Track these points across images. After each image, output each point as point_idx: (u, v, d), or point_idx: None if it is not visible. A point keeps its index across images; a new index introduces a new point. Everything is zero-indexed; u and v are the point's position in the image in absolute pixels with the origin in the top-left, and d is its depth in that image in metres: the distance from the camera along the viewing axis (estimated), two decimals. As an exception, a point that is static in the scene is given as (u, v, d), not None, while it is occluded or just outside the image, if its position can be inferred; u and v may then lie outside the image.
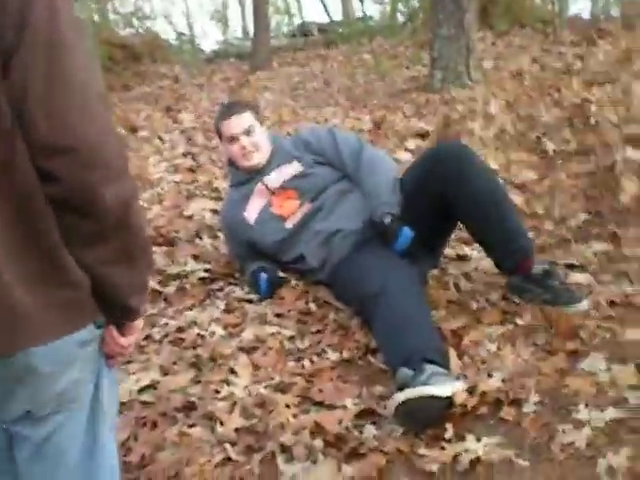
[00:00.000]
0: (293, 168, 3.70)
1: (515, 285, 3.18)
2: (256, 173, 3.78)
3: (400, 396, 2.44)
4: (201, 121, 8.59)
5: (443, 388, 2.46)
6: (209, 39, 25.48)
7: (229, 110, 3.82)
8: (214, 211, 5.06)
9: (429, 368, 2.53)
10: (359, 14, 21.91)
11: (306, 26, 20.98)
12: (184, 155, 7.08)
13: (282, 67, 13.28)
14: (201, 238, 4.58)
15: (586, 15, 15.35)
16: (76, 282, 1.38)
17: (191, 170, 6.40)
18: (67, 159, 1.28)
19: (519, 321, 3.02)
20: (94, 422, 1.53)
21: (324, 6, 20.81)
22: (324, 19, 21.18)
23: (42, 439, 1.48)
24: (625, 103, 5.30)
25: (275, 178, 3.72)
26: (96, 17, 19.78)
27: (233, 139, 3.74)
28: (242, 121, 3.73)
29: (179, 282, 4.00)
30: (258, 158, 3.75)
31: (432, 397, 2.42)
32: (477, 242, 3.33)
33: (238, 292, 3.80)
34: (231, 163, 3.94)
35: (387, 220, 3.25)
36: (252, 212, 3.75)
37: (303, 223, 3.58)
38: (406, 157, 5.29)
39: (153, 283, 3.95)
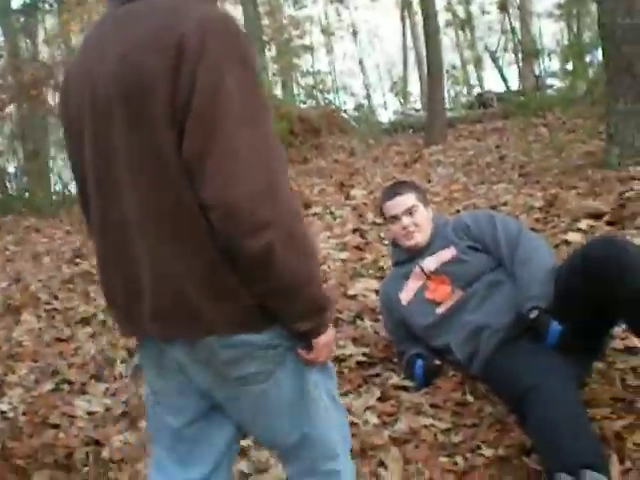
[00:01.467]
0: (450, 253, 3.65)
1: None
2: (416, 253, 3.77)
3: None
4: (372, 197, 8.64)
5: None
6: (388, 110, 25.75)
7: (393, 190, 3.85)
8: (377, 292, 5.04)
9: (589, 476, 2.39)
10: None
11: (484, 96, 20.80)
12: (353, 232, 7.12)
13: (458, 141, 13.24)
14: (362, 319, 4.57)
15: None
16: (241, 296, 1.73)
17: (359, 248, 6.42)
18: (215, 213, 1.63)
19: (690, 424, 2.80)
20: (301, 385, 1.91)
21: (500, 73, 20.82)
22: (502, 88, 21.12)
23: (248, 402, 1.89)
24: None
25: (431, 262, 3.68)
26: (278, 91, 20.50)
27: (395, 218, 3.76)
28: (405, 201, 3.74)
29: (337, 365, 3.98)
30: (419, 238, 3.74)
31: None
32: None
33: (395, 379, 3.74)
34: (394, 242, 3.95)
35: (533, 315, 3.11)
36: (407, 293, 3.74)
37: (454, 310, 3.51)
38: (577, 238, 5.09)
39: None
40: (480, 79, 28.85)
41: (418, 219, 3.73)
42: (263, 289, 1.72)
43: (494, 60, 21.48)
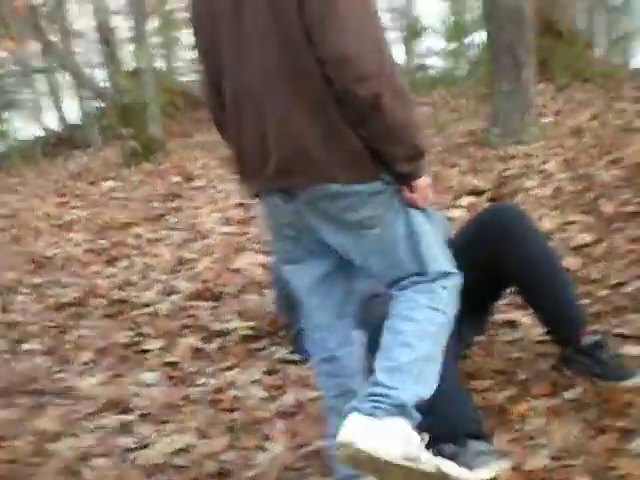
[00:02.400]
0: None
1: (566, 356, 3.02)
2: None
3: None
4: (257, 172, 8.58)
5: (486, 471, 2.34)
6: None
7: None
8: (263, 266, 5.00)
9: (472, 446, 2.42)
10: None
11: None
12: (237, 206, 7.05)
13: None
14: (248, 294, 4.52)
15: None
16: (353, 147, 2.06)
17: (243, 222, 6.37)
18: (330, 64, 1.98)
19: (569, 395, 2.87)
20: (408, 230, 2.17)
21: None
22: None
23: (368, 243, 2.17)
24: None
25: None
26: (159, 64, 20.12)
27: None
28: None
29: (222, 340, 3.94)
30: None
31: None
32: (531, 307, 3.19)
33: (281, 352, 3.72)
34: None
35: None
36: None
37: None
38: (459, 214, 5.17)
39: (195, 340, 3.91)
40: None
41: None
42: (372, 132, 2.05)
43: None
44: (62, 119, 21.00)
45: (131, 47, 14.06)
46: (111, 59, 10.92)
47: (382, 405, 2.00)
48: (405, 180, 2.13)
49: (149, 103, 11.18)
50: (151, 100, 11.29)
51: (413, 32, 15.20)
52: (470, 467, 2.30)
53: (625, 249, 4.10)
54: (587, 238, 4.40)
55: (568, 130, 7.16)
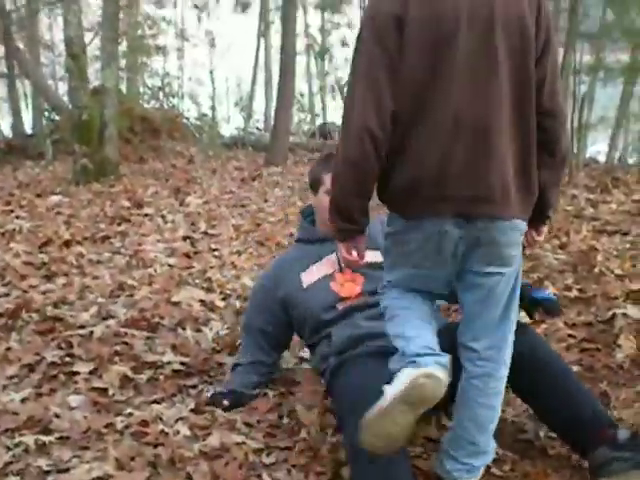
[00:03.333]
0: (375, 256, 3.19)
1: (601, 458, 2.73)
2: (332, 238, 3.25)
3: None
4: (207, 207, 8.55)
5: None
6: (230, 124, 25.59)
7: None
8: (202, 302, 4.96)
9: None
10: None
11: (327, 127, 21.28)
12: (184, 239, 7.01)
13: (296, 166, 13.34)
14: (184, 329, 4.47)
15: (602, 158, 15.54)
16: (533, 187, 2.48)
17: (188, 256, 6.33)
18: (551, 117, 2.49)
19: None
20: (515, 283, 2.60)
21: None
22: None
23: (488, 288, 2.53)
24: (632, 257, 5.25)
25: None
26: (123, 87, 20.05)
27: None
28: None
29: (153, 372, 3.87)
30: None
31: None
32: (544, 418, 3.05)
33: (211, 392, 3.66)
34: (307, 217, 3.69)
35: None
36: (311, 276, 3.48)
37: (353, 310, 3.32)
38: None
39: (125, 369, 3.83)
40: (325, 109, 29.17)
41: None
42: (558, 177, 2.63)
43: (342, 93, 21.87)
44: (15, 127, 20.77)
45: (98, 65, 14.00)
46: (76, 74, 10.80)
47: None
48: (540, 224, 2.72)
49: (108, 123, 11.10)
50: (111, 120, 11.21)
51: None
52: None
53: (563, 333, 4.14)
54: (526, 318, 4.41)
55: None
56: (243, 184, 10.95)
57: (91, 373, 3.84)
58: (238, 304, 4.94)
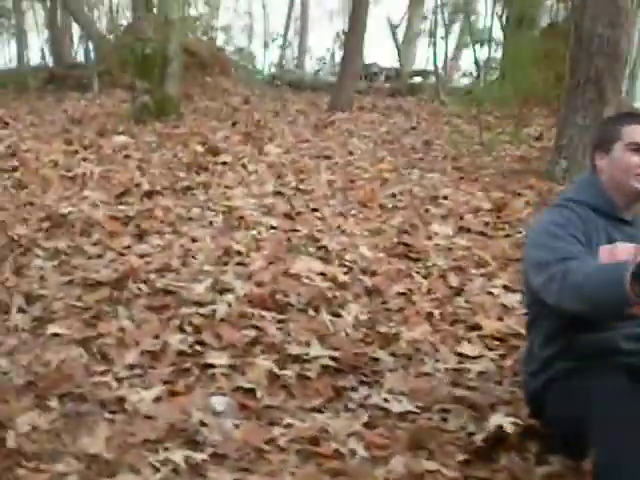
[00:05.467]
0: None
1: None
2: (626, 207, 2.74)
3: None
4: (289, 158, 7.93)
5: None
6: (265, 61, 24.89)
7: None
8: (323, 275, 4.37)
9: None
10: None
11: (370, 69, 19.68)
12: (274, 194, 6.41)
13: (362, 112, 12.67)
14: (316, 310, 3.88)
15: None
16: None
17: (289, 217, 5.71)
18: None
19: None
20: None
21: (398, 52, 20.33)
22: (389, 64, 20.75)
23: None
24: None
25: None
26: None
27: (637, 150, 2.70)
28: None
29: (299, 367, 3.31)
30: None
31: None
32: None
33: (376, 398, 3.09)
34: (593, 180, 2.85)
35: None
36: (612, 256, 2.61)
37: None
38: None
39: (269, 363, 3.27)
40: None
41: None
42: None
43: (394, 34, 20.99)
44: (56, 55, 20.21)
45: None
46: (142, 3, 10.22)
47: None
48: None
49: (172, 58, 10.44)
50: (175, 55, 10.55)
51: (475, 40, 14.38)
52: None
53: None
54: None
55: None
56: (316, 132, 10.30)
57: (231, 367, 3.27)
58: (368, 281, 4.34)
